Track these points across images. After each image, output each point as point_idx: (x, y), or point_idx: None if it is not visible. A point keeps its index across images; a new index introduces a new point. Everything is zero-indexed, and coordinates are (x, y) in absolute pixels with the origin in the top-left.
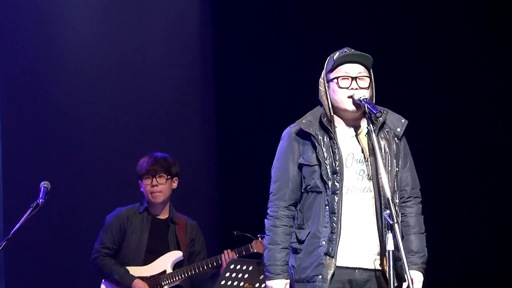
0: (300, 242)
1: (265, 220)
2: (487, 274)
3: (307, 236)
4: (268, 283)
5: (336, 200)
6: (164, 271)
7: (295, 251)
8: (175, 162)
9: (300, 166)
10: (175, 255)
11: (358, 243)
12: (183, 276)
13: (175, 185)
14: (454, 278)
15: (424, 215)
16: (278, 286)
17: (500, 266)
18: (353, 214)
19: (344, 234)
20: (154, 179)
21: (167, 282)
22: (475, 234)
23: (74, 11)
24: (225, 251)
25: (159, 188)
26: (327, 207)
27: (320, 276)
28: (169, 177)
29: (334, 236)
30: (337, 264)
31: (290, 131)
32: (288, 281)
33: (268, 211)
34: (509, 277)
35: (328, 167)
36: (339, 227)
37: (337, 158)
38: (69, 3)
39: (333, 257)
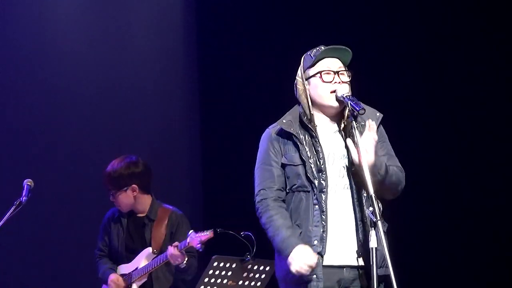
0: None
1: (260, 221)
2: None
3: (298, 236)
4: (291, 258)
5: (323, 199)
6: (136, 268)
7: None
8: (123, 168)
9: (283, 166)
10: (146, 252)
11: (344, 241)
12: (145, 271)
13: (133, 193)
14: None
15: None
16: (301, 252)
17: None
18: (338, 212)
19: (331, 233)
20: (110, 195)
21: (135, 278)
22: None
23: (56, 9)
24: (169, 247)
25: (116, 203)
26: (316, 206)
27: (315, 276)
28: (118, 191)
29: (325, 235)
30: (324, 263)
31: (269, 132)
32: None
33: (258, 210)
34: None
35: (312, 166)
36: (327, 225)
37: (321, 157)
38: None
39: (323, 256)
